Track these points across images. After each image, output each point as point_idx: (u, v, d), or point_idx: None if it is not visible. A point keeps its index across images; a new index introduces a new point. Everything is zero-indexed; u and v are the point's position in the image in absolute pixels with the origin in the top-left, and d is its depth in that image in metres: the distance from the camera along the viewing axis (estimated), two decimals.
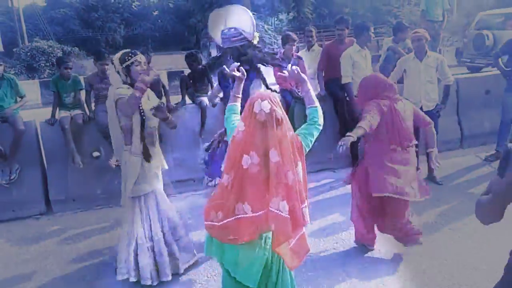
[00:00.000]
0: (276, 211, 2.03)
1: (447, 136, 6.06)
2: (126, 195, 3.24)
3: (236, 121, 2.41)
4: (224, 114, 2.55)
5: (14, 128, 4.65)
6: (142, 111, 3.22)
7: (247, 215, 2.06)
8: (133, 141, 3.22)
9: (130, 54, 3.21)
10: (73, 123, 4.90)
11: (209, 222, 2.15)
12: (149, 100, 3.41)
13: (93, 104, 5.22)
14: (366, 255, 3.58)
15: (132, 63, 3.18)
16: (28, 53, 19.13)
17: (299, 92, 5.27)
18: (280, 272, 2.27)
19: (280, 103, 2.19)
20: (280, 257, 2.23)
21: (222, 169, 2.45)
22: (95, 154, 4.96)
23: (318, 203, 4.59)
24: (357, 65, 5.26)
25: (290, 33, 5.62)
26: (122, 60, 3.19)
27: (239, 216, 2.07)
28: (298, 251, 2.19)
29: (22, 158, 4.79)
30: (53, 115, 5.02)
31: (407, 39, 5.99)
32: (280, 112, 2.14)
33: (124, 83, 3.23)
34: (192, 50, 5.65)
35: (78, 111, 5.04)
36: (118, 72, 3.25)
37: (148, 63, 5.20)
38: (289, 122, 2.20)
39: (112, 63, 3.30)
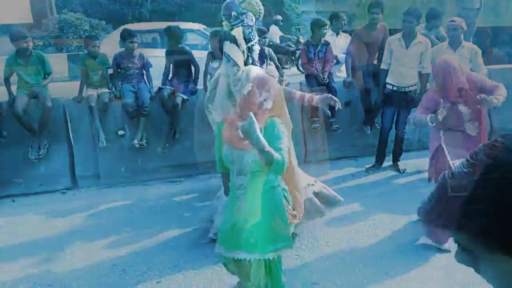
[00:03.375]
0: None
1: None
2: None
3: None
4: None
5: (42, 104, 4.74)
6: None
7: None
8: None
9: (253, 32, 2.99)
10: (99, 101, 4.97)
11: None
12: None
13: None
14: (384, 247, 3.58)
15: (256, 42, 3.03)
16: (57, 25, 19.35)
17: (324, 79, 5.20)
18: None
19: None
20: None
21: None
22: (120, 132, 5.03)
23: (337, 191, 4.57)
24: (394, 53, 5.00)
25: (320, 18, 5.49)
26: (247, 40, 3.01)
27: None
28: None
29: (50, 134, 4.90)
30: (80, 92, 5.08)
31: (440, 27, 5.76)
32: None
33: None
34: None
35: (104, 90, 5.09)
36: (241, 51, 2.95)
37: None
38: None
39: (235, 42, 3.00)
